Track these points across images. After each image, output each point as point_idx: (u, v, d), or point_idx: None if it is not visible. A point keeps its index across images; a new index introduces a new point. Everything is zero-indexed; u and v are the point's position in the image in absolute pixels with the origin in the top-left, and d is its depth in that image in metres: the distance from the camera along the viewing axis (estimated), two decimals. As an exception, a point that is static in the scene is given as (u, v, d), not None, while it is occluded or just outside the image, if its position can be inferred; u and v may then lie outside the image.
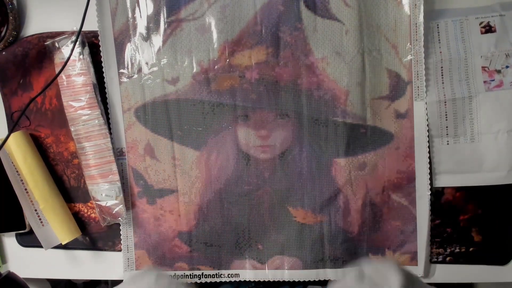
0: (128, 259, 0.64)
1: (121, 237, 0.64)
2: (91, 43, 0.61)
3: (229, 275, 0.63)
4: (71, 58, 0.58)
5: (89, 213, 0.65)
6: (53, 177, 0.63)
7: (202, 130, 0.60)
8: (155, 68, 0.59)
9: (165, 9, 0.58)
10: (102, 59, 0.60)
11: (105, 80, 0.61)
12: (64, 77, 0.60)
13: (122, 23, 0.60)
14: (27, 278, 0.65)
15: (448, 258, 0.60)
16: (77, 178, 0.64)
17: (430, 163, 0.59)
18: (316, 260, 0.61)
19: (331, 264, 0.61)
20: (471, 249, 0.60)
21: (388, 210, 0.60)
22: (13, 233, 0.66)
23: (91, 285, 0.92)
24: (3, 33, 0.61)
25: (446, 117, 0.58)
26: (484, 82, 0.57)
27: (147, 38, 0.59)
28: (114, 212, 0.61)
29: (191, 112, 0.60)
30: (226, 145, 0.60)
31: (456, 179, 0.59)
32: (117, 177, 0.61)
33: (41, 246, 0.62)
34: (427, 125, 0.58)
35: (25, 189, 0.62)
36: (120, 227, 0.63)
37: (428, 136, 0.58)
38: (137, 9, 0.59)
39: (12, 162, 0.61)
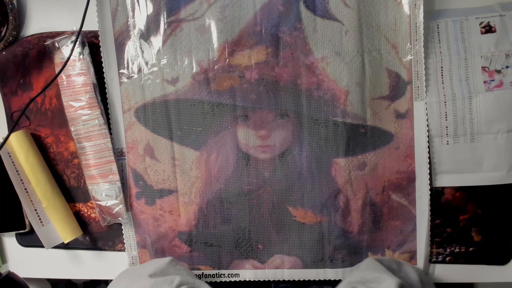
0: (132, 257, 0.64)
1: (124, 236, 0.64)
2: (91, 43, 0.61)
3: (229, 275, 0.63)
4: (71, 58, 0.58)
5: (89, 213, 0.65)
6: (53, 177, 0.64)
7: (202, 130, 0.60)
8: (155, 68, 0.60)
9: (165, 10, 0.58)
10: (102, 59, 0.60)
11: (105, 80, 0.61)
12: (64, 77, 0.60)
13: (122, 23, 0.60)
14: (27, 278, 0.65)
15: (448, 258, 0.60)
16: (77, 178, 0.64)
17: (430, 163, 0.59)
18: (316, 259, 0.61)
19: (331, 264, 0.61)
20: (471, 249, 0.60)
21: (388, 210, 0.60)
22: (13, 233, 0.66)
23: (91, 285, 0.92)
24: (3, 33, 0.61)
25: (446, 117, 0.58)
26: (484, 82, 0.57)
27: (147, 38, 0.59)
28: (114, 212, 0.61)
29: (191, 112, 0.60)
30: (226, 145, 0.60)
31: (456, 179, 0.59)
32: (117, 177, 0.61)
33: (41, 246, 0.62)
34: (427, 125, 0.58)
35: (25, 189, 0.62)
36: (122, 227, 0.64)
37: (428, 136, 0.58)
38: (137, 9, 0.59)
39: (12, 162, 0.61)
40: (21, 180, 0.61)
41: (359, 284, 0.51)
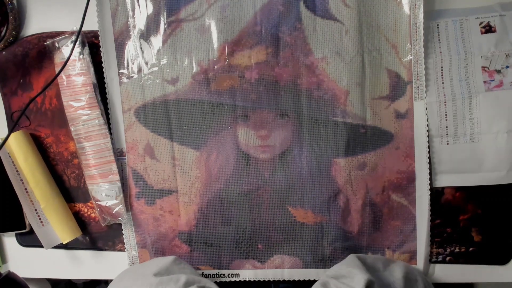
0: (132, 257, 0.64)
1: (124, 236, 0.64)
2: (91, 43, 0.61)
3: (229, 275, 0.63)
4: (71, 58, 0.58)
5: (89, 213, 0.65)
6: (53, 177, 0.64)
7: (202, 130, 0.60)
8: (155, 68, 0.60)
9: (165, 10, 0.58)
10: (102, 59, 0.60)
11: (105, 80, 0.61)
12: (64, 77, 0.60)
13: (122, 23, 0.60)
14: (27, 278, 0.65)
15: (448, 258, 0.60)
16: (77, 178, 0.64)
17: (430, 163, 0.59)
18: (316, 259, 0.61)
19: (331, 264, 0.61)
20: (471, 249, 0.60)
21: (388, 210, 0.60)
22: (13, 233, 0.66)
23: (91, 285, 0.92)
24: (3, 33, 0.61)
25: (446, 117, 0.58)
26: (484, 82, 0.57)
27: (147, 38, 0.59)
28: (114, 212, 0.61)
29: (191, 112, 0.60)
30: (226, 145, 0.60)
31: (456, 179, 0.59)
32: (117, 177, 0.61)
33: (41, 246, 0.62)
34: (427, 125, 0.58)
35: (25, 189, 0.62)
36: (122, 227, 0.64)
37: (428, 136, 0.58)
38: (137, 9, 0.59)
39: (12, 162, 0.61)
40: (21, 180, 0.61)
41: (332, 279, 0.53)
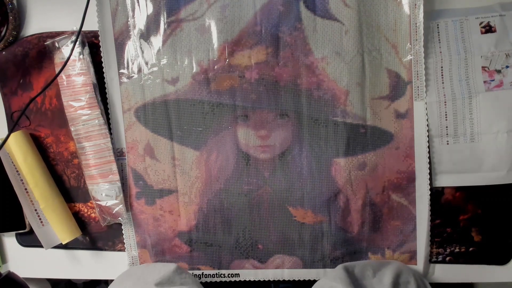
0: (132, 257, 0.64)
1: (124, 236, 0.64)
2: (91, 43, 0.61)
3: (229, 275, 0.63)
4: (71, 58, 0.58)
5: (89, 213, 0.65)
6: (53, 177, 0.64)
7: (202, 130, 0.60)
8: (155, 68, 0.60)
9: (165, 10, 0.58)
10: (102, 59, 0.60)
11: (105, 80, 0.61)
12: (64, 77, 0.60)
13: (122, 23, 0.60)
14: (27, 278, 0.65)
15: (448, 258, 0.61)
16: (77, 178, 0.64)
17: (430, 163, 0.59)
18: (316, 259, 0.61)
19: (331, 264, 0.61)
20: (471, 249, 0.60)
21: (388, 210, 0.60)
22: (13, 233, 0.66)
23: (91, 285, 0.92)
24: (3, 33, 0.61)
25: (446, 117, 0.58)
26: (484, 82, 0.57)
27: (147, 38, 0.59)
28: (114, 212, 0.61)
29: (191, 112, 0.60)
30: (226, 145, 0.60)
31: (456, 179, 0.59)
32: (117, 177, 0.61)
33: (41, 246, 0.62)
34: (427, 125, 0.58)
35: (25, 189, 0.62)
36: (122, 227, 0.64)
37: (428, 136, 0.58)
38: (137, 9, 0.59)
39: (12, 162, 0.61)
40: (21, 180, 0.61)
41: None
